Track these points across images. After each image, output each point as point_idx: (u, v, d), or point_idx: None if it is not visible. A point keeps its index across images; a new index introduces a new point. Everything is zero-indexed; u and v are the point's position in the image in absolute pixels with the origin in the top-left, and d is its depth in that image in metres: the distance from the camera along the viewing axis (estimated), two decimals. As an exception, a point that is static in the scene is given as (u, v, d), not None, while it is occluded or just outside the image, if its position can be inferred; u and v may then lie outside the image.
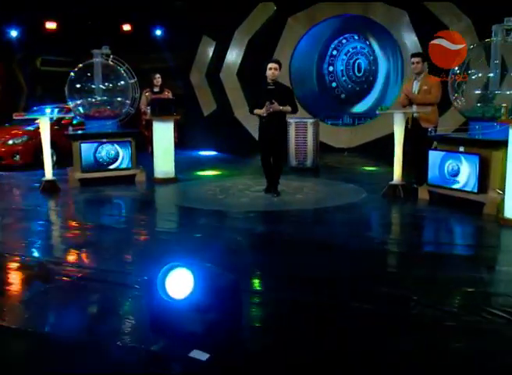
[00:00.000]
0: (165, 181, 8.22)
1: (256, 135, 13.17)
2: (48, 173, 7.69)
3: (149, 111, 8.60)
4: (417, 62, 6.92)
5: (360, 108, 12.99)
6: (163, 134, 8.31)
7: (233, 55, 13.46)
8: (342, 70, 12.92)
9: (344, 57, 12.43)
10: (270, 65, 6.79)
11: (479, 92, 6.57)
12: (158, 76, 8.98)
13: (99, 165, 8.17)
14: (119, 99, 8.61)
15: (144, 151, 9.28)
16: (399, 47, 12.11)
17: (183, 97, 12.93)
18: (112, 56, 8.47)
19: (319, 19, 12.67)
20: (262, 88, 6.97)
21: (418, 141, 6.98)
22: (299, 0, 12.43)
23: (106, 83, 8.53)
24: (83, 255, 4.78)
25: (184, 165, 9.23)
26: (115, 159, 8.23)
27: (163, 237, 5.40)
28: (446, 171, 6.40)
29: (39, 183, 7.75)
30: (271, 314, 3.42)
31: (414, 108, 6.90)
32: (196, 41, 13.65)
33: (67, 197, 7.55)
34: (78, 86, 8.50)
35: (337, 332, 3.06)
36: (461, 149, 6.32)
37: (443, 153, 6.47)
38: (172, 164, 8.39)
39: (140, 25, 13.69)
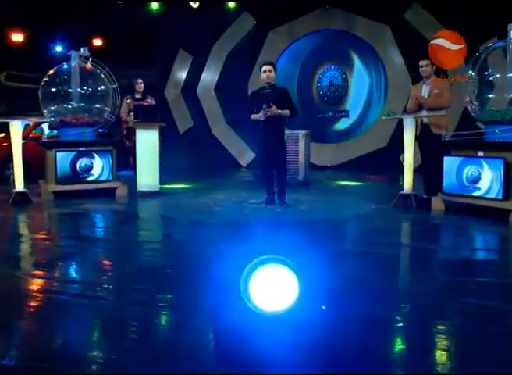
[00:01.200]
0: (150, 194, 7.45)
1: (232, 151, 12.91)
2: (19, 184, 6.83)
3: (130, 119, 7.93)
4: (427, 65, 6.51)
5: (343, 125, 12.67)
6: (147, 143, 7.58)
7: (211, 70, 12.94)
8: (324, 85, 12.69)
9: (326, 78, 12.39)
10: (264, 67, 6.28)
11: (494, 96, 6.22)
12: (140, 81, 8.29)
13: (76, 176, 7.34)
14: (97, 106, 7.83)
15: (124, 165, 8.53)
16: (381, 62, 11.92)
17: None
18: (90, 59, 7.75)
19: (301, 33, 12.39)
20: (258, 93, 6.44)
21: (430, 149, 6.53)
22: (280, 14, 12.10)
23: (84, 88, 7.74)
24: (72, 270, 4.01)
25: (163, 179, 8.41)
26: (92, 170, 7.42)
27: (179, 250, 4.69)
28: (464, 178, 5.93)
29: (8, 196, 6.86)
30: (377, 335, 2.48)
31: (425, 112, 6.49)
32: (172, 55, 13.05)
33: (40, 210, 6.69)
34: (53, 90, 7.67)
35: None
36: (480, 154, 5.89)
37: (461, 159, 6.01)
38: (157, 176, 7.64)
39: (111, 38, 13.00)
